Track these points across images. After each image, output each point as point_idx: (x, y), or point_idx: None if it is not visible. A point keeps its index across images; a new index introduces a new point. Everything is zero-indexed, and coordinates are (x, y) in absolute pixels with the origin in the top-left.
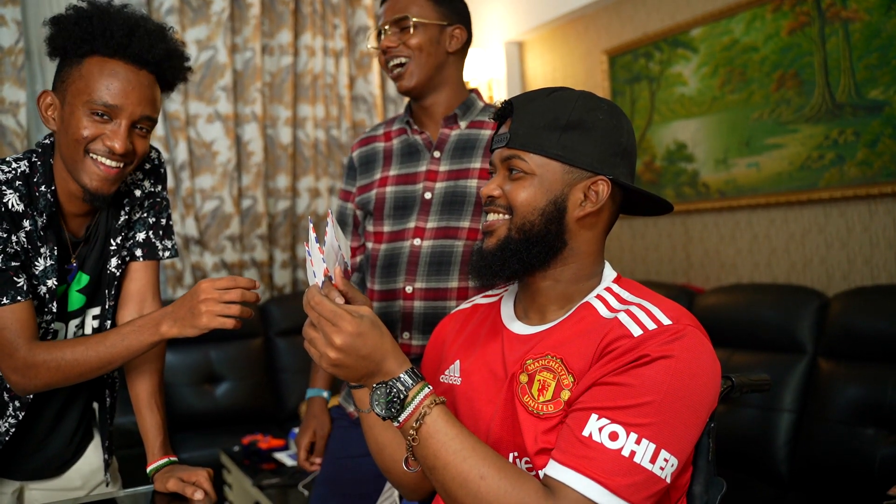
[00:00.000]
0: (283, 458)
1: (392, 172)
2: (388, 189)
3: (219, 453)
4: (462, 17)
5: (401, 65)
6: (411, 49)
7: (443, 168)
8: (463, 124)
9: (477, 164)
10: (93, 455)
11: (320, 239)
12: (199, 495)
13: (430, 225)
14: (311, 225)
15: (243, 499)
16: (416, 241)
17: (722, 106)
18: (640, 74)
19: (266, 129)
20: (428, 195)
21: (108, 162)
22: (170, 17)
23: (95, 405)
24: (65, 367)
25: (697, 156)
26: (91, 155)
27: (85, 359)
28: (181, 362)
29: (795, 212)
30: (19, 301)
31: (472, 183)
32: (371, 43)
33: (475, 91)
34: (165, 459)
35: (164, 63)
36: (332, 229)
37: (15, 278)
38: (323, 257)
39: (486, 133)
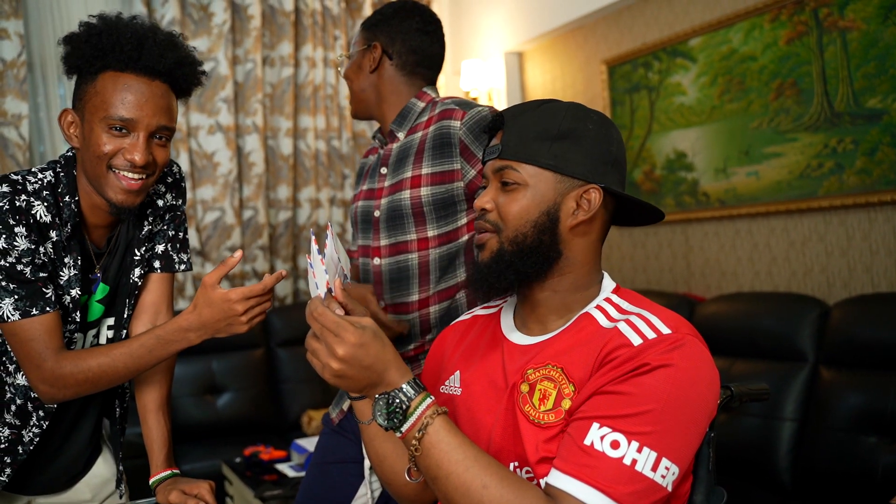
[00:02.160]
0: (285, 469)
1: (364, 187)
2: (359, 204)
3: (220, 465)
4: (382, 34)
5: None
6: (347, 80)
7: (386, 184)
8: (401, 136)
9: (408, 173)
10: (102, 467)
11: (322, 251)
12: None
13: (382, 243)
14: (312, 237)
15: None
16: (376, 261)
17: (721, 115)
18: (640, 84)
19: (267, 140)
20: (377, 213)
21: (130, 175)
22: (171, 29)
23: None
24: (92, 377)
25: (697, 165)
26: (113, 170)
27: (112, 369)
28: (183, 373)
29: (795, 220)
30: (48, 312)
31: (406, 194)
32: None
33: (420, 93)
34: (168, 472)
35: (176, 71)
36: (332, 241)
37: (44, 289)
38: (325, 269)
39: (418, 137)
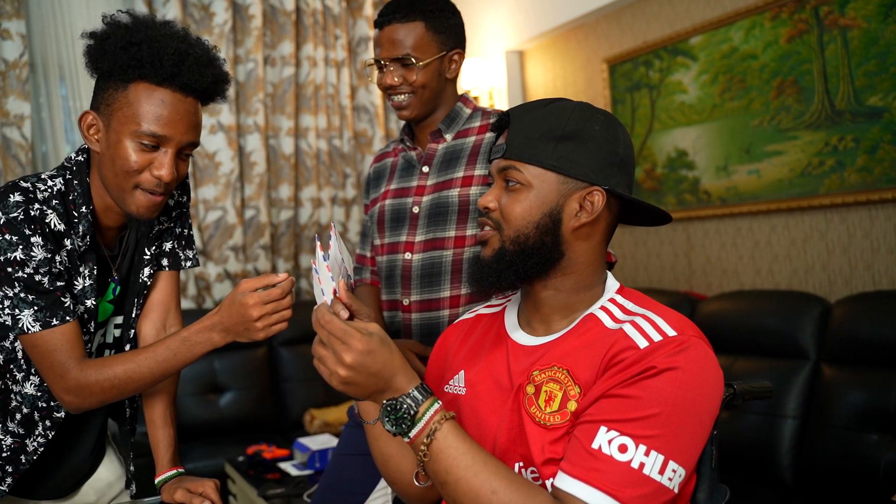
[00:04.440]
0: (288, 467)
1: (392, 186)
2: (387, 202)
3: (223, 463)
4: (459, 38)
5: (403, 96)
6: (414, 86)
7: (430, 182)
8: (448, 137)
9: (460, 173)
10: (107, 469)
11: (326, 255)
12: None
13: (417, 238)
14: (317, 243)
15: None
16: (407, 255)
17: (722, 113)
18: (641, 83)
19: (268, 140)
20: (416, 209)
21: (153, 193)
22: (204, 39)
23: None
24: (118, 384)
25: (698, 163)
26: (141, 188)
27: (138, 375)
28: (185, 373)
29: (796, 218)
30: (68, 321)
31: (455, 192)
32: (373, 78)
33: (462, 98)
34: (174, 471)
35: (210, 88)
36: (335, 241)
37: (62, 298)
38: (331, 275)
39: (471, 140)
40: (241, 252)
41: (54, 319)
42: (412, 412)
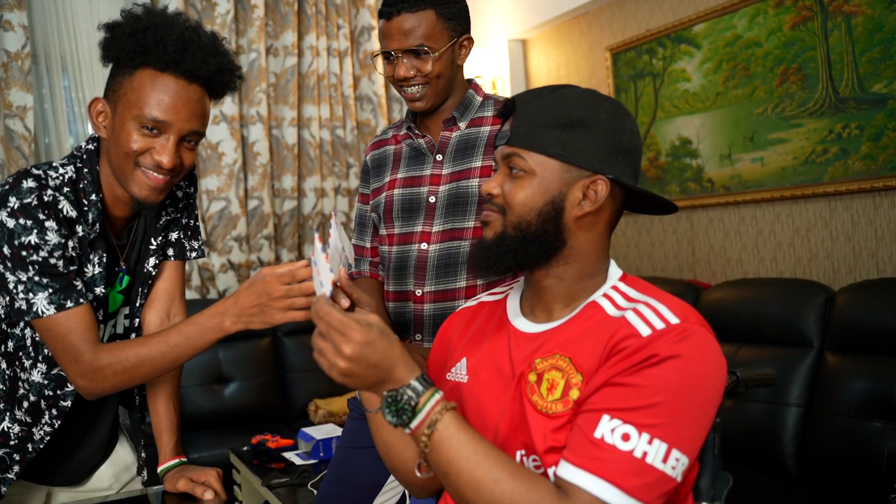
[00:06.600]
0: (293, 457)
1: (400, 175)
2: (396, 191)
3: (228, 453)
4: (467, 23)
5: (416, 87)
6: (429, 77)
7: (445, 171)
8: (462, 125)
9: (478, 163)
10: (120, 455)
11: (325, 247)
12: (208, 495)
13: (435, 228)
14: (315, 234)
15: (253, 498)
16: (423, 246)
17: (726, 101)
18: (644, 71)
19: (271, 130)
20: (432, 199)
21: (156, 174)
22: (214, 30)
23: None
24: (130, 368)
25: (702, 151)
26: (141, 167)
27: (149, 359)
28: (190, 363)
29: (800, 206)
30: (81, 304)
31: (474, 182)
32: (380, 69)
33: (472, 84)
34: (176, 460)
35: (215, 77)
36: (335, 231)
37: (75, 282)
38: (329, 266)
39: (486, 130)
40: (244, 242)
41: (68, 302)
42: (413, 403)
